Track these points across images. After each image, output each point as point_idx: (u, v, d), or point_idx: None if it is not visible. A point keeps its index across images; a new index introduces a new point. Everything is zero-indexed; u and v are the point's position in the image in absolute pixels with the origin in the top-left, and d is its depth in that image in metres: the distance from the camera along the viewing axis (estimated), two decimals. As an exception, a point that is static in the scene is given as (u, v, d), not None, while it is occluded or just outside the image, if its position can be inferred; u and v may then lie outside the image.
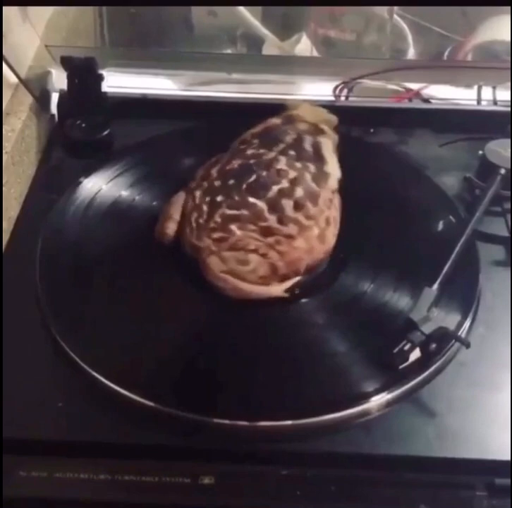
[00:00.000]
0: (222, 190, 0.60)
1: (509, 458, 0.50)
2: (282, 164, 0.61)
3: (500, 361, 0.56)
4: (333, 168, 0.63)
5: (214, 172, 0.62)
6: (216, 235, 0.58)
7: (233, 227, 0.58)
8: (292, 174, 0.60)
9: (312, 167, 0.62)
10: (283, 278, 0.59)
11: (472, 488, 0.49)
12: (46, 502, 0.49)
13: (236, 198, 0.59)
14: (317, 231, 0.59)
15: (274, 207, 0.58)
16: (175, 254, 0.61)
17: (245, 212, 0.58)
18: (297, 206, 0.59)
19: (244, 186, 0.59)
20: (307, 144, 0.64)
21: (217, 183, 0.61)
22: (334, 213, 0.62)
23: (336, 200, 0.63)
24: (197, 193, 0.61)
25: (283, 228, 0.58)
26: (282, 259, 0.58)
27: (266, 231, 0.58)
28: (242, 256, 0.57)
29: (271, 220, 0.58)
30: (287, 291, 0.59)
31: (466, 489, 0.49)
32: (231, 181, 0.60)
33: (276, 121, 0.67)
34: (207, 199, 0.60)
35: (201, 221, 0.59)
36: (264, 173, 0.60)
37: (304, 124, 0.66)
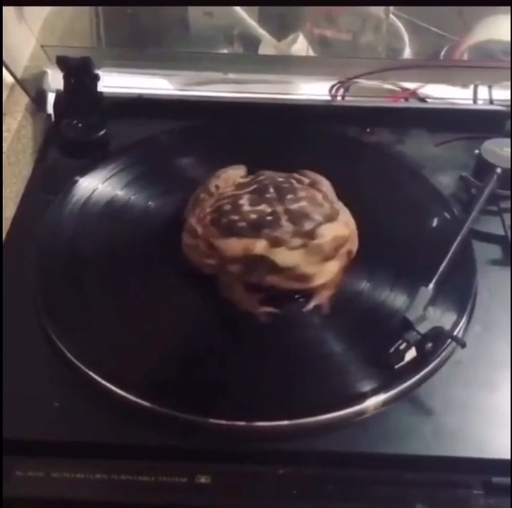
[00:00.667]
0: None
1: (506, 456, 0.49)
2: None
3: (496, 360, 0.56)
4: None
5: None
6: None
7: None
8: None
9: None
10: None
11: (469, 487, 0.49)
12: (43, 501, 0.49)
13: None
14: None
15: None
16: (172, 253, 0.61)
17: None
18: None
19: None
20: None
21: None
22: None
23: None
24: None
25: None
26: None
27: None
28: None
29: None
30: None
31: (463, 487, 0.49)
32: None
33: None
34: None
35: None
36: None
37: None
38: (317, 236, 0.57)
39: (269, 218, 0.57)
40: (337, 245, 0.58)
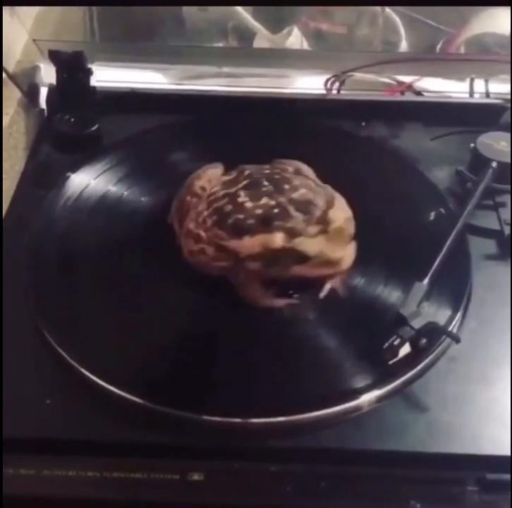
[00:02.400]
0: None
1: (501, 453, 0.49)
2: None
3: (491, 356, 0.56)
4: None
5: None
6: None
7: None
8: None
9: None
10: None
11: (463, 483, 0.49)
12: (35, 499, 0.49)
13: None
14: None
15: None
16: (165, 249, 0.61)
17: None
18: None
19: None
20: None
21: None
22: None
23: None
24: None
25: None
26: None
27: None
28: None
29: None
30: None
31: (457, 484, 0.49)
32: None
33: None
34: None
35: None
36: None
37: None
38: (331, 220, 0.56)
39: (276, 210, 0.56)
40: (350, 226, 0.57)
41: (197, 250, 0.58)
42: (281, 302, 0.57)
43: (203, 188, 0.62)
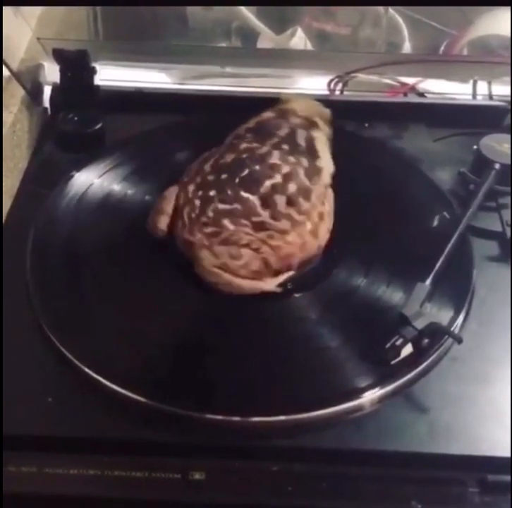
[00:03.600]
0: (215, 184, 0.59)
1: (502, 454, 0.49)
2: (275, 158, 0.61)
3: (493, 357, 0.56)
4: (327, 163, 0.63)
5: (207, 167, 0.61)
6: (208, 229, 0.57)
7: (226, 222, 0.57)
8: (285, 169, 0.60)
9: (305, 162, 0.61)
10: (276, 273, 0.59)
11: (464, 484, 0.49)
12: (36, 497, 0.49)
13: (229, 192, 0.58)
14: (310, 226, 0.59)
15: (267, 202, 0.58)
16: (167, 248, 0.61)
17: (237, 206, 0.58)
18: (290, 201, 0.59)
19: (237, 181, 0.59)
20: (301, 139, 0.63)
21: (210, 178, 0.60)
22: (327, 208, 0.61)
23: (330, 195, 0.62)
24: (190, 188, 0.61)
25: (276, 224, 0.58)
26: (275, 254, 0.58)
27: (259, 226, 0.57)
28: (235, 250, 0.57)
29: (264, 215, 0.58)
30: (280, 285, 0.58)
31: (458, 485, 0.49)
32: (224, 176, 0.59)
33: (269, 114, 0.67)
34: (200, 193, 0.59)
35: (193, 215, 0.59)
36: (257, 168, 0.60)
37: (297, 118, 0.66)
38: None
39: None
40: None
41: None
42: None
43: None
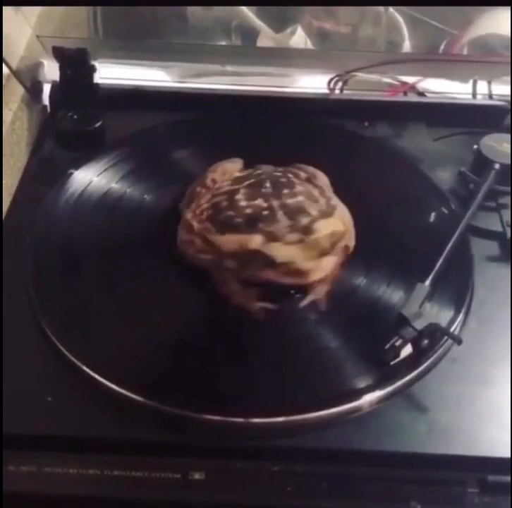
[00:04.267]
0: None
1: (501, 454, 0.49)
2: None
3: (492, 357, 0.56)
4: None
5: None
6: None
7: None
8: None
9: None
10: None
11: (463, 485, 0.49)
12: (35, 496, 0.49)
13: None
14: None
15: None
16: (167, 247, 0.61)
17: None
18: None
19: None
20: None
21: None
22: None
23: None
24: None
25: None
26: None
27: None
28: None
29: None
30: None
31: (458, 485, 0.49)
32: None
33: None
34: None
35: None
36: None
37: None
38: (314, 231, 0.56)
39: (264, 213, 0.57)
40: (333, 240, 0.58)
41: (187, 240, 0.59)
42: (255, 304, 0.57)
43: (214, 181, 0.63)
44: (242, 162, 0.66)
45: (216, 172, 0.64)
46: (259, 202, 0.58)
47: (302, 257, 0.56)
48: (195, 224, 0.59)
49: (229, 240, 0.56)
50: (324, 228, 0.57)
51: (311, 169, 0.64)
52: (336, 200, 0.61)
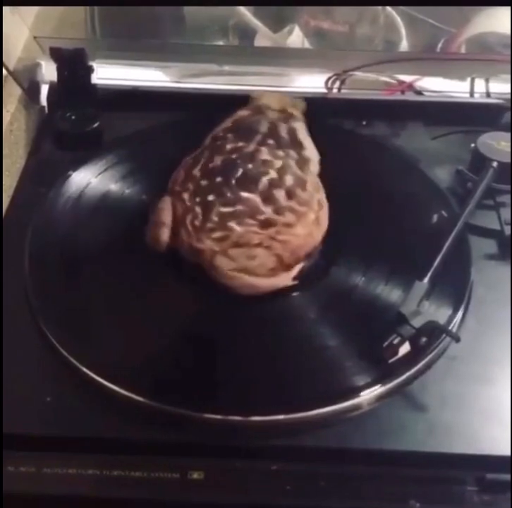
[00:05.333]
0: (211, 189, 0.59)
1: (500, 453, 0.49)
2: (265, 154, 0.61)
3: (491, 355, 0.56)
4: (312, 152, 0.64)
5: (196, 172, 0.61)
6: (216, 234, 0.57)
7: (232, 224, 0.57)
8: (277, 163, 0.60)
9: (293, 153, 0.62)
10: (288, 267, 0.58)
11: (463, 483, 0.49)
12: (34, 497, 0.49)
13: (228, 195, 0.58)
14: (313, 216, 0.59)
15: (268, 198, 0.58)
16: (167, 248, 0.61)
17: (240, 207, 0.58)
18: (290, 194, 0.59)
19: (233, 182, 0.59)
20: (283, 131, 0.64)
21: (204, 183, 0.60)
22: (323, 195, 0.62)
23: (320, 183, 0.63)
24: (185, 195, 0.60)
25: (281, 218, 0.58)
26: (286, 248, 0.57)
27: (266, 223, 0.57)
28: (249, 251, 0.57)
29: (268, 212, 0.58)
30: (294, 279, 0.58)
31: (457, 484, 0.49)
32: (219, 179, 0.59)
33: (244, 112, 0.68)
34: (198, 200, 0.59)
35: (197, 223, 0.58)
36: (250, 166, 0.60)
37: (274, 112, 0.67)
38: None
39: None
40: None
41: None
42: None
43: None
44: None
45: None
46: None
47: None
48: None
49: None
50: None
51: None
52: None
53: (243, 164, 0.60)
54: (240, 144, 0.62)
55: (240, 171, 0.59)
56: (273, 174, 0.59)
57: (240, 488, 0.49)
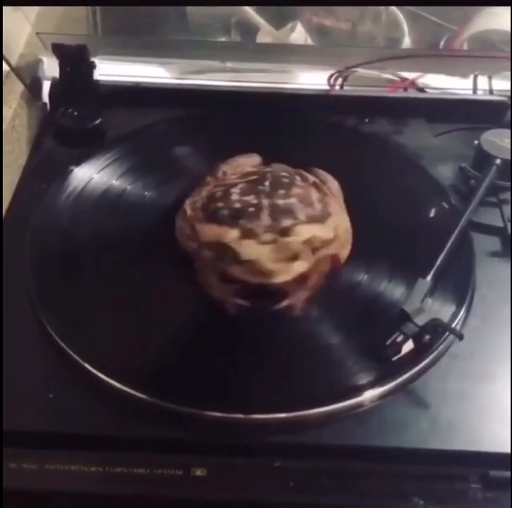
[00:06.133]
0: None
1: (503, 450, 0.49)
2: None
3: (494, 353, 0.56)
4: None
5: None
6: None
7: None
8: None
9: None
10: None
11: (466, 480, 0.49)
12: (37, 494, 0.49)
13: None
14: None
15: None
16: (168, 244, 0.61)
17: None
18: None
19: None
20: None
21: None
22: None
23: None
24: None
25: None
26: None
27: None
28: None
29: None
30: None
31: (460, 481, 0.49)
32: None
33: None
34: None
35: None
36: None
37: None
38: (291, 234, 0.55)
39: (250, 209, 0.56)
40: (314, 246, 0.56)
41: (179, 227, 0.60)
42: (231, 299, 0.56)
43: (225, 173, 0.64)
44: (260, 159, 0.67)
45: (229, 165, 0.65)
46: (250, 198, 0.58)
47: (269, 257, 0.54)
48: (188, 211, 0.60)
49: (209, 230, 0.56)
50: (305, 232, 0.55)
51: (323, 174, 0.64)
52: (336, 208, 0.60)
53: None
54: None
55: None
56: None
57: (243, 485, 0.49)
